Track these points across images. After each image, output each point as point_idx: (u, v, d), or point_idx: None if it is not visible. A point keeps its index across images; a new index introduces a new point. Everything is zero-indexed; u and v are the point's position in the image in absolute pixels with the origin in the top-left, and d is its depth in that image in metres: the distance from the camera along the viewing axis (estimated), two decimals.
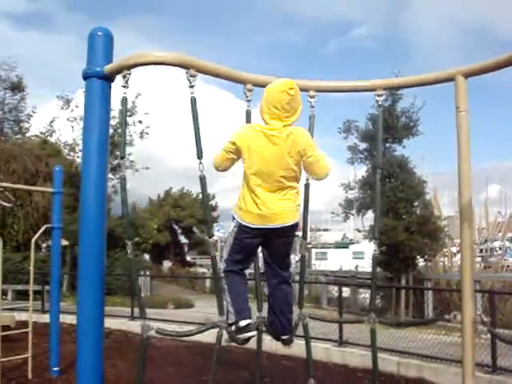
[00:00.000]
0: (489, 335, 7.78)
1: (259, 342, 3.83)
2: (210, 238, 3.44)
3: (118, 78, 3.20)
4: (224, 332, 3.38)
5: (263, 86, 3.46)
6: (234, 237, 3.67)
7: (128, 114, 25.39)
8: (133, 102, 25.58)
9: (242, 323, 3.57)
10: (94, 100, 3.22)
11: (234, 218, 3.67)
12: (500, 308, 14.48)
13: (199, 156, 3.18)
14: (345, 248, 45.92)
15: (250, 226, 3.58)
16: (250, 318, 3.63)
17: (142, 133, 26.07)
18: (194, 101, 3.15)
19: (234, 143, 3.48)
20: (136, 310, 15.48)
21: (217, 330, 3.32)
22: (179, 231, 48.27)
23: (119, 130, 25.78)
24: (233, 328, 3.60)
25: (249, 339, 3.62)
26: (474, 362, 3.26)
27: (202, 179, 3.24)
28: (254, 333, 3.66)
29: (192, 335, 3.53)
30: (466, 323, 3.20)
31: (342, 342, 10.42)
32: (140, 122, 25.91)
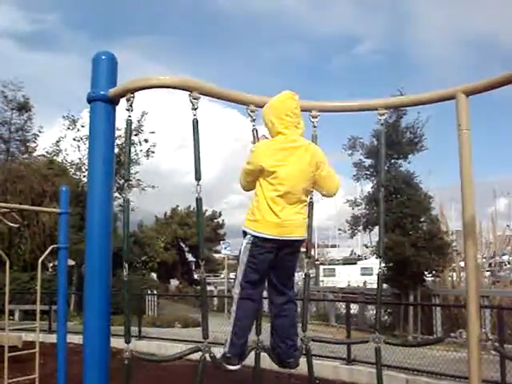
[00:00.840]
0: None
1: (257, 362, 3.75)
2: (202, 260, 3.42)
3: (123, 101, 3.23)
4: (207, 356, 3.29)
5: (262, 107, 3.50)
6: (248, 254, 3.51)
7: (134, 133, 25.55)
8: (138, 121, 25.73)
9: (229, 355, 3.48)
10: (98, 123, 3.25)
11: (245, 235, 3.54)
12: (509, 324, 14.40)
13: (197, 178, 3.20)
14: (353, 264, 45.81)
15: (267, 236, 3.44)
16: (240, 357, 3.53)
17: (148, 151, 26.19)
18: (195, 123, 3.18)
19: (252, 165, 3.45)
20: (144, 329, 15.49)
21: (200, 354, 3.28)
22: (186, 249, 48.17)
23: (125, 150, 25.92)
24: (219, 355, 3.49)
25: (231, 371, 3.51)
26: (481, 379, 3.24)
27: (199, 201, 3.26)
28: (237, 367, 3.52)
29: (173, 360, 3.50)
30: (471, 341, 3.19)
31: (350, 360, 10.39)
32: (146, 140, 26.04)
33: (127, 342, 3.17)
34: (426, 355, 10.23)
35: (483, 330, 3.23)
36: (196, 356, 3.48)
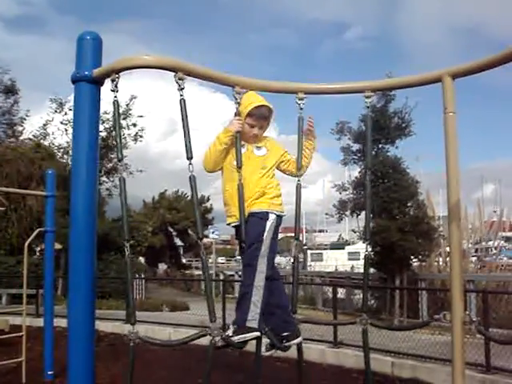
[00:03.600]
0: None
1: (258, 346, 3.76)
2: (201, 239, 3.40)
3: (108, 82, 3.20)
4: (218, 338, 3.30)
5: (252, 88, 3.48)
6: (271, 236, 3.76)
7: (122, 117, 25.44)
8: (127, 105, 25.61)
9: (252, 318, 3.63)
10: (83, 104, 3.22)
11: (267, 216, 3.78)
12: (494, 308, 14.55)
13: (189, 157, 3.19)
14: (340, 249, 46.03)
15: (283, 215, 3.89)
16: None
17: (136, 136, 26.09)
18: (183, 103, 3.16)
19: None
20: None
21: (208, 337, 3.28)
22: (174, 234, 48.20)
23: (114, 133, 25.87)
24: (231, 330, 3.59)
25: (246, 342, 3.62)
26: (464, 360, 3.27)
27: (192, 179, 3.24)
28: (258, 333, 3.66)
29: (179, 345, 3.49)
30: (455, 323, 3.21)
31: (336, 343, 10.44)
32: (134, 125, 25.94)
33: (132, 323, 3.15)
34: (412, 339, 10.32)
35: (467, 313, 3.25)
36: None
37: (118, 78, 3.10)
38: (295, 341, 3.79)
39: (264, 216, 3.77)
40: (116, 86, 3.11)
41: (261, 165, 3.85)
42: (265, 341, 3.84)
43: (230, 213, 3.86)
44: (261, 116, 3.86)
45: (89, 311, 3.19)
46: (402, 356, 9.63)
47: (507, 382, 7.95)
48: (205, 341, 3.36)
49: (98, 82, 3.21)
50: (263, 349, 3.85)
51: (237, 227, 3.82)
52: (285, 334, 3.79)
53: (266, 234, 3.74)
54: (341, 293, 18.31)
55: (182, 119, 3.18)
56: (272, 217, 3.78)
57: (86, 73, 3.16)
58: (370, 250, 3.75)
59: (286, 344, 3.78)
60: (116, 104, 3.18)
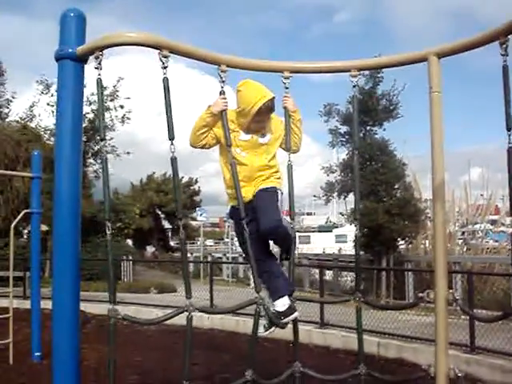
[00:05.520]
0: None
1: (255, 324, 3.73)
2: (181, 219, 3.40)
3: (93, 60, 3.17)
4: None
5: (237, 67, 3.45)
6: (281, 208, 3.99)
7: (109, 98, 25.25)
8: (114, 87, 25.42)
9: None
10: (67, 81, 3.18)
11: (277, 190, 3.94)
12: (480, 289, 14.70)
13: (171, 137, 3.17)
14: (328, 232, 46.19)
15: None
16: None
17: (123, 117, 25.94)
18: (166, 81, 3.13)
19: None
20: (119, 295, 15.49)
21: (186, 313, 3.29)
22: (162, 216, 48.05)
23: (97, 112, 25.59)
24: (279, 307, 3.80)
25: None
26: (447, 338, 3.30)
27: (174, 161, 3.22)
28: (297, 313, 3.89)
29: (158, 323, 3.51)
30: (438, 300, 3.24)
31: (323, 324, 10.50)
32: (121, 106, 25.77)
33: (112, 302, 3.14)
34: (398, 319, 10.39)
35: (450, 291, 3.28)
36: (172, 321, 3.50)
37: (101, 55, 3.06)
38: (292, 316, 3.85)
39: (275, 190, 3.92)
40: (100, 64, 3.08)
41: (265, 151, 3.91)
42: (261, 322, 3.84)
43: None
44: (268, 109, 3.85)
45: (73, 293, 3.18)
46: (388, 336, 9.72)
47: (491, 362, 8.04)
48: (194, 322, 3.38)
49: (81, 60, 3.18)
50: (261, 329, 3.87)
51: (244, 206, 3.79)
52: (281, 309, 3.83)
53: (279, 204, 3.92)
54: (328, 275, 18.42)
55: (165, 98, 3.16)
56: (280, 192, 3.95)
57: (70, 50, 3.13)
58: (358, 230, 3.76)
59: (284, 320, 3.82)
60: (99, 82, 3.15)
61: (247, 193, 3.82)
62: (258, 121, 3.82)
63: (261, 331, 3.86)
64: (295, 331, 3.90)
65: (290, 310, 3.84)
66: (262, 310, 3.44)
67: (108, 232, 3.12)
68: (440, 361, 3.26)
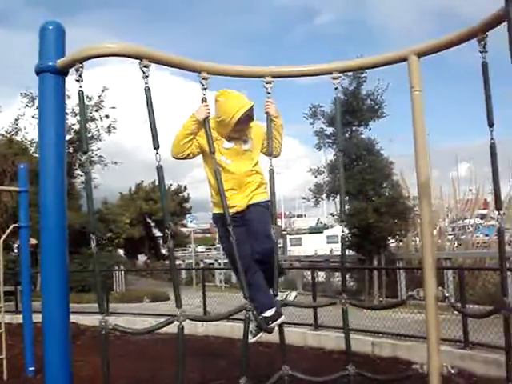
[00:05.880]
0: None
1: (245, 330, 3.75)
2: (168, 228, 3.41)
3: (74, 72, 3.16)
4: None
5: (218, 74, 3.46)
6: None
7: (95, 108, 25.23)
8: (99, 97, 25.41)
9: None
10: (48, 95, 3.17)
11: (269, 205, 3.99)
12: (471, 284, 14.75)
13: (155, 146, 3.17)
14: (319, 233, 46.17)
15: None
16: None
17: (109, 127, 25.93)
18: (148, 91, 3.13)
19: None
20: (111, 305, 15.43)
21: (177, 323, 3.28)
22: (153, 224, 47.83)
23: (79, 125, 25.53)
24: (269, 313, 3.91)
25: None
26: (439, 335, 3.32)
27: (159, 170, 3.22)
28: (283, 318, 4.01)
29: (147, 333, 3.52)
30: (428, 298, 3.25)
31: (317, 326, 10.52)
32: (107, 116, 25.76)
33: (102, 312, 3.14)
34: (391, 318, 10.42)
35: (440, 289, 3.29)
36: (166, 330, 3.49)
37: (82, 67, 3.06)
38: (279, 320, 3.94)
39: (268, 205, 3.99)
40: (80, 76, 3.08)
41: (249, 158, 3.97)
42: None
43: (228, 202, 3.84)
44: (248, 118, 3.94)
45: (63, 306, 3.16)
46: (382, 335, 9.75)
47: (485, 356, 8.09)
48: (187, 331, 3.37)
49: (62, 73, 3.17)
50: (249, 336, 3.87)
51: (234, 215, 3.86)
52: (268, 314, 3.91)
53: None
54: (321, 276, 18.41)
55: (148, 108, 3.16)
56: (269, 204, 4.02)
57: (50, 63, 3.12)
58: (345, 230, 3.83)
59: (272, 325, 3.92)
60: (81, 94, 3.15)
61: (239, 201, 3.91)
62: (238, 130, 3.87)
63: (249, 338, 3.86)
64: (281, 334, 3.92)
65: (277, 314, 3.94)
66: (251, 316, 3.45)
67: (93, 244, 3.12)
68: (432, 358, 3.27)
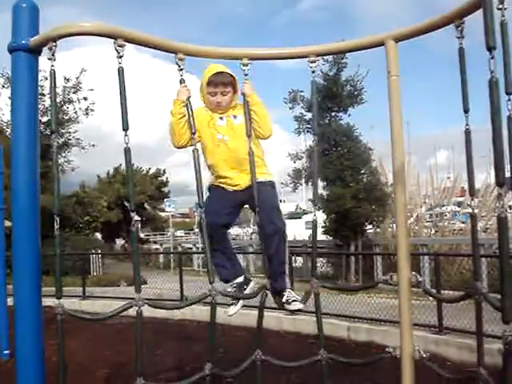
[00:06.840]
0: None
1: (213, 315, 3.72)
2: (133, 211, 3.39)
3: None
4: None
5: (195, 55, 3.41)
6: None
7: (72, 90, 24.96)
8: (77, 78, 25.15)
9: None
10: (20, 74, 3.11)
11: (274, 184, 4.08)
12: (448, 271, 14.94)
13: (124, 128, 3.12)
14: (298, 219, 46.27)
15: None
16: None
17: (87, 109, 25.68)
18: (121, 71, 3.08)
19: None
20: (88, 289, 15.40)
21: (136, 308, 3.25)
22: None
23: (63, 108, 25.37)
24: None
25: None
26: (411, 320, 3.34)
27: (127, 151, 3.18)
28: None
29: (105, 319, 3.49)
30: (401, 283, 3.27)
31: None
32: (85, 98, 25.51)
33: (58, 297, 3.10)
34: (367, 303, 10.52)
35: (413, 273, 3.31)
36: (144, 314, 3.47)
37: (55, 46, 3.00)
38: (250, 285, 4.08)
39: (273, 184, 4.06)
40: (53, 55, 3.02)
41: (242, 132, 3.75)
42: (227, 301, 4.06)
43: (231, 181, 3.98)
44: (220, 83, 3.87)
45: (35, 289, 3.13)
46: (358, 320, 9.83)
47: (459, 342, 8.20)
48: (160, 314, 3.36)
49: (35, 52, 3.11)
50: (231, 308, 4.08)
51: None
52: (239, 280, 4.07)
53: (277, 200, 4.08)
54: (299, 262, 18.52)
55: (120, 88, 3.12)
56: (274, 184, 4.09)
57: (23, 42, 3.06)
58: (318, 214, 3.84)
59: (247, 291, 4.04)
60: (53, 73, 3.10)
61: (240, 180, 3.92)
62: (211, 93, 3.88)
63: (230, 311, 4.07)
64: (260, 318, 3.90)
65: (246, 279, 4.09)
66: (219, 299, 3.39)
67: (56, 226, 3.07)
68: (405, 342, 3.29)
